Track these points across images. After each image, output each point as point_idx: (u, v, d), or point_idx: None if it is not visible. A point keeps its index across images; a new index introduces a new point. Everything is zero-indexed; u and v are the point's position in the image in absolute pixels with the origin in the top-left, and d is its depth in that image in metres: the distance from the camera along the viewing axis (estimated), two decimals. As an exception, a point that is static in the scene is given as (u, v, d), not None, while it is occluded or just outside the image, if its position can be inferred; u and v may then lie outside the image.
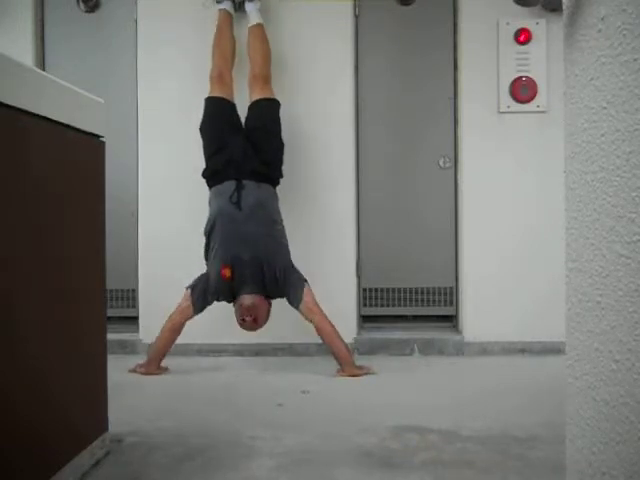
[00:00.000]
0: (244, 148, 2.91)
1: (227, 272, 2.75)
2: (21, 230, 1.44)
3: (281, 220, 2.93)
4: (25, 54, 3.40)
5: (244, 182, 2.86)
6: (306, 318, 2.84)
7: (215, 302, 2.88)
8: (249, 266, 2.76)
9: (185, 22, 3.36)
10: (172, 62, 3.36)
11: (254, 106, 3.05)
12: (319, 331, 2.84)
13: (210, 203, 2.93)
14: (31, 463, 1.46)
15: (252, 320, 2.76)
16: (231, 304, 2.86)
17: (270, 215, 2.88)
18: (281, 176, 3.02)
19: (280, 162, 3.02)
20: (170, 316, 2.88)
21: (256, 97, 3.05)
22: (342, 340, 2.88)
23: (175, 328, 2.88)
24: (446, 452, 1.90)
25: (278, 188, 3.02)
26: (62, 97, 1.65)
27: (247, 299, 2.75)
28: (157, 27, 3.37)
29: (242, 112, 3.07)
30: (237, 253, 2.77)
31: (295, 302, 2.82)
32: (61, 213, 1.63)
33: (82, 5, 3.51)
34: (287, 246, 2.90)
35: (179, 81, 3.36)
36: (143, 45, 3.38)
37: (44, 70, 3.34)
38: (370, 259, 3.48)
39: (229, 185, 2.86)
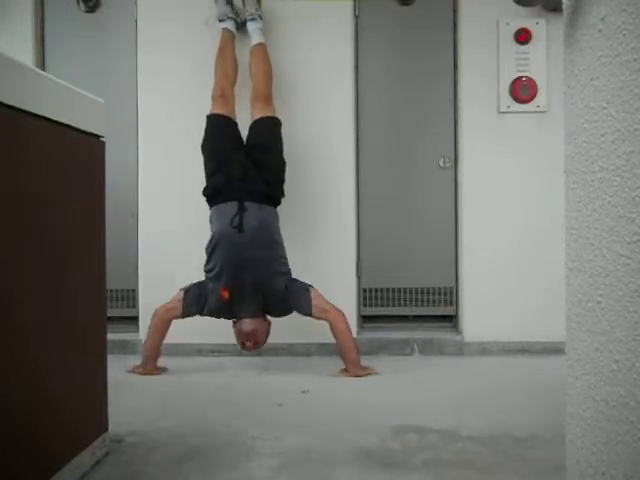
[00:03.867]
0: (245, 166, 2.89)
1: (225, 294, 2.76)
2: (21, 230, 1.44)
3: (281, 240, 2.92)
4: (25, 54, 3.40)
5: (246, 204, 2.83)
6: (320, 319, 2.84)
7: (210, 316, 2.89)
8: (250, 288, 2.77)
9: (185, 22, 3.36)
10: (172, 62, 3.36)
11: (255, 125, 3.04)
12: (333, 328, 2.84)
13: (211, 221, 2.90)
14: (31, 463, 1.46)
15: (252, 344, 2.80)
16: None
17: (271, 237, 2.87)
18: (283, 195, 2.99)
19: (282, 181, 3.00)
20: (155, 312, 2.89)
21: (257, 116, 3.04)
22: (353, 340, 2.89)
23: (163, 324, 2.88)
24: (446, 452, 1.90)
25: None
26: (62, 97, 1.65)
27: (247, 325, 2.76)
28: (157, 27, 3.37)
29: (244, 131, 3.05)
30: (238, 277, 2.76)
31: (305, 310, 2.82)
32: (61, 213, 1.63)
33: (82, 5, 3.51)
34: (287, 263, 2.89)
35: (179, 81, 3.36)
36: (143, 45, 3.38)
37: (44, 70, 3.34)
38: (370, 259, 3.48)
39: (231, 206, 2.84)
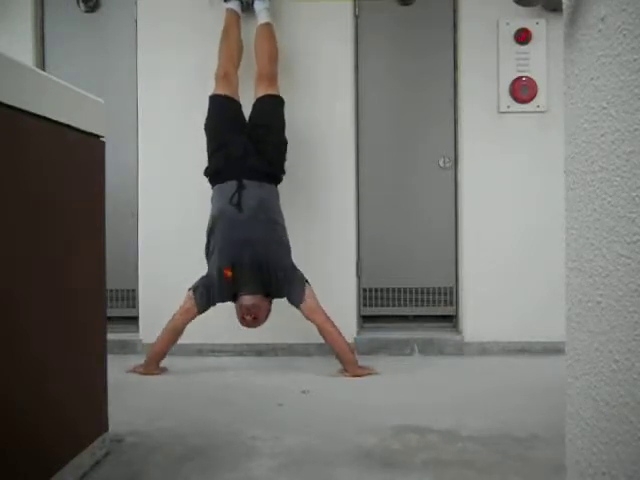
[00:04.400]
0: (245, 146, 2.90)
1: (228, 273, 2.76)
2: (21, 230, 1.44)
3: (282, 220, 2.92)
4: (25, 54, 3.40)
5: (245, 182, 2.84)
6: (308, 318, 2.84)
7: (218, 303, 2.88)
8: (249, 267, 2.76)
9: (185, 22, 3.36)
10: (172, 62, 3.36)
11: (258, 103, 3.04)
12: (322, 332, 2.84)
13: (212, 201, 2.92)
14: (31, 463, 1.46)
15: (252, 319, 2.78)
16: (232, 303, 2.86)
17: (271, 216, 2.87)
18: (283, 173, 3.01)
19: (283, 159, 3.01)
20: (173, 317, 2.88)
21: (260, 94, 3.05)
22: (344, 340, 2.89)
23: (177, 329, 2.88)
24: (446, 452, 1.90)
25: (279, 187, 3.02)
26: (62, 97, 1.65)
27: (247, 299, 2.75)
28: (157, 27, 3.37)
29: (248, 112, 3.05)
30: (238, 255, 2.76)
31: (296, 301, 2.82)
32: (61, 213, 1.63)
33: (82, 5, 3.51)
34: (288, 245, 2.90)
35: (179, 81, 3.36)
36: (143, 45, 3.38)
37: (44, 70, 3.34)
38: (370, 259, 3.48)
39: (230, 185, 2.85)
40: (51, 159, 1.59)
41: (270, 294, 2.83)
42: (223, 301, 2.85)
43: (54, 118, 1.58)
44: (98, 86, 3.10)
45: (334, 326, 2.84)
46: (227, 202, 2.82)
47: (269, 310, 2.84)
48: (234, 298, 2.83)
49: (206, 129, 3.00)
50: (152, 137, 3.39)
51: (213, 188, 2.94)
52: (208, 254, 2.86)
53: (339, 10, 3.34)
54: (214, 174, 2.93)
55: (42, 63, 3.51)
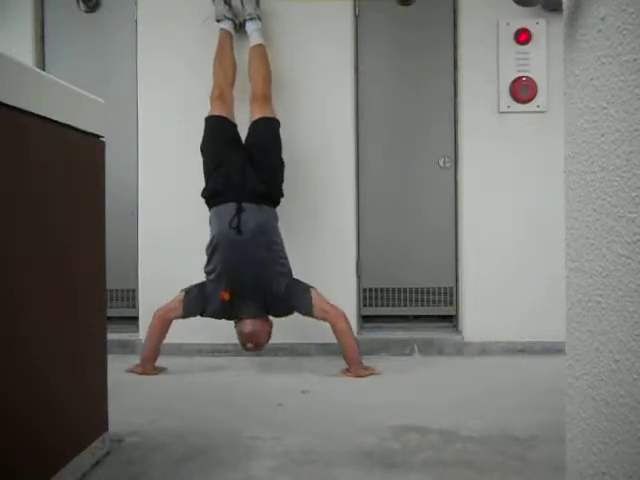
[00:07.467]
0: (243, 168, 2.90)
1: (226, 295, 2.77)
2: (21, 230, 1.44)
3: (281, 240, 2.92)
4: (25, 54, 3.40)
5: (244, 205, 2.84)
6: (322, 320, 2.85)
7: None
8: (250, 289, 2.78)
9: (185, 23, 3.36)
10: (172, 62, 3.36)
11: (253, 126, 3.04)
12: (333, 328, 2.85)
13: (211, 223, 2.91)
14: (31, 463, 1.46)
15: (253, 346, 2.82)
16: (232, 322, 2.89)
17: (270, 237, 2.87)
18: (282, 195, 3.00)
19: (280, 181, 3.00)
20: (156, 313, 2.89)
21: (256, 117, 3.05)
22: (355, 339, 2.90)
23: (164, 324, 2.89)
24: (446, 452, 1.90)
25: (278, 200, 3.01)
26: (62, 97, 1.65)
27: (247, 326, 2.77)
28: (157, 27, 3.37)
29: (243, 132, 3.06)
30: (238, 278, 2.78)
31: (306, 310, 2.83)
32: (61, 213, 1.63)
33: (82, 5, 3.51)
34: (287, 263, 2.90)
35: (179, 81, 3.36)
36: (143, 45, 3.38)
37: (44, 70, 3.34)
38: (370, 259, 3.48)
39: (229, 208, 2.84)
40: (51, 159, 1.59)
41: (275, 313, 2.86)
42: (215, 318, 2.87)
43: (54, 118, 1.58)
44: (98, 86, 3.09)
45: (347, 323, 2.86)
46: (227, 225, 2.81)
47: (270, 333, 2.87)
48: (229, 318, 2.86)
49: (203, 150, 3.00)
50: (152, 137, 3.38)
51: (210, 210, 2.93)
52: (208, 273, 2.87)
53: (339, 10, 3.34)
54: (212, 196, 2.92)
55: (42, 63, 3.51)
